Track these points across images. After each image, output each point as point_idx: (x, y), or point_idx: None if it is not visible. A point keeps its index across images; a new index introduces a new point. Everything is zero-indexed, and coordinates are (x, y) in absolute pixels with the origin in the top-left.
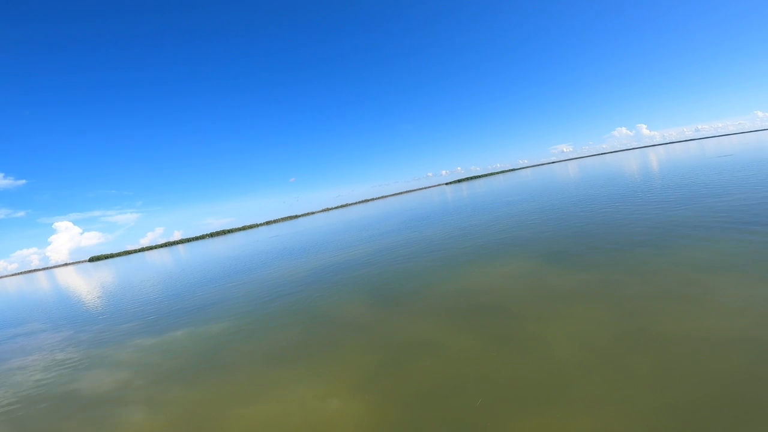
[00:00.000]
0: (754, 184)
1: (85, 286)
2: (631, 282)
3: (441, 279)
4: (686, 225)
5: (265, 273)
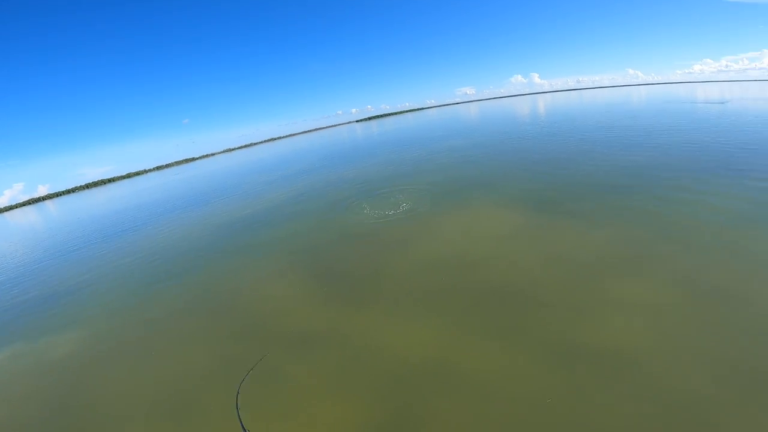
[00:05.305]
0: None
1: None
2: (667, 246)
3: (407, 236)
4: (670, 169)
5: (149, 234)
